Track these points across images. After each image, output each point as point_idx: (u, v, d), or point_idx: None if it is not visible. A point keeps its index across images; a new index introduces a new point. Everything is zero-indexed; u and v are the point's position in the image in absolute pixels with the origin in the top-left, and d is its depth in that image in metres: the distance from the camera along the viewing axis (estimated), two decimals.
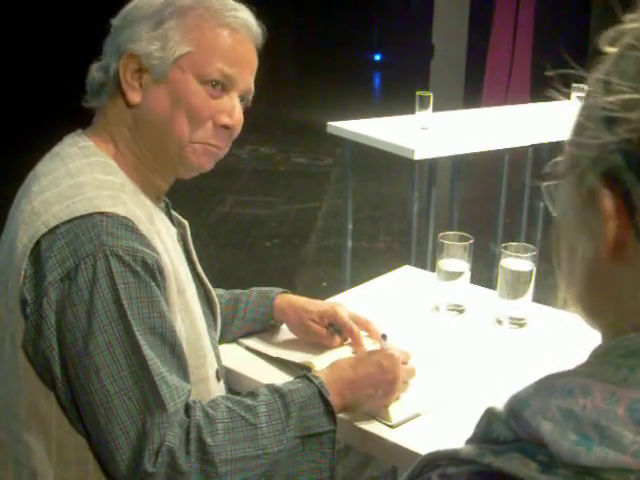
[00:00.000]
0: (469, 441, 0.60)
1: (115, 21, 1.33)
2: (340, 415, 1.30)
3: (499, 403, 0.59)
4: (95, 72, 1.33)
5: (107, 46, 1.34)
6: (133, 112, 1.31)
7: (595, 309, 0.61)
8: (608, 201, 0.54)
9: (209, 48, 1.29)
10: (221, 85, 1.31)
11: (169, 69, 1.28)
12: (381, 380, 1.33)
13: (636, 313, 0.56)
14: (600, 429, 0.51)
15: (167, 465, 1.11)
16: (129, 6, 1.32)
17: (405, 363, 1.41)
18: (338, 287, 3.04)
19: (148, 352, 1.15)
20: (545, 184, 0.66)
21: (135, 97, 1.29)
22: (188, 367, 1.24)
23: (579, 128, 0.58)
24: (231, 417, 1.18)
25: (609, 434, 0.50)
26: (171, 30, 1.28)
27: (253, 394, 1.25)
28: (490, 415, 0.59)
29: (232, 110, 1.32)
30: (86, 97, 1.35)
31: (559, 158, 0.61)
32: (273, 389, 1.25)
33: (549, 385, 0.56)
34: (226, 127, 1.32)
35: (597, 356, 0.58)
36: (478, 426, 0.60)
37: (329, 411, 1.25)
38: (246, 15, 1.33)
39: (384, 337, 1.48)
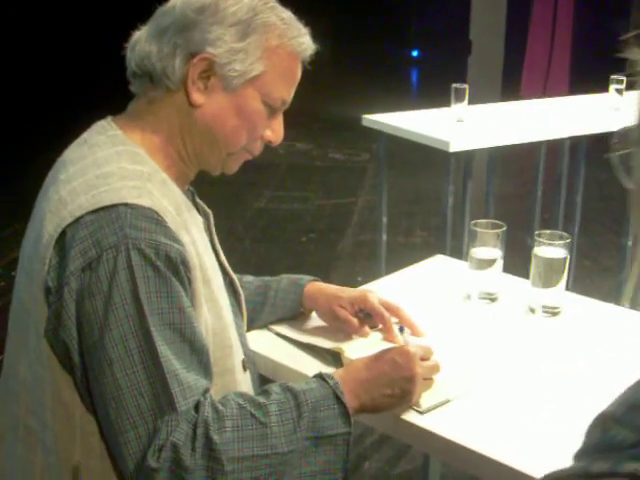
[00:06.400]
0: (582, 453, 0.55)
1: (189, 11, 1.27)
2: None
3: (605, 408, 0.54)
4: (155, 59, 1.28)
5: (170, 32, 1.28)
6: (191, 111, 1.30)
7: None
8: None
9: (280, 74, 1.33)
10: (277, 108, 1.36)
11: (241, 84, 1.30)
12: (397, 378, 1.29)
13: None
14: None
15: (171, 461, 1.10)
16: (207, 0, 1.28)
17: (427, 359, 1.36)
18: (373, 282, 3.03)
19: (162, 348, 1.14)
20: (618, 154, 0.61)
21: (199, 99, 1.29)
22: (210, 363, 1.22)
23: None
24: (241, 415, 1.16)
25: None
26: (253, 45, 1.28)
27: (266, 392, 1.23)
28: (604, 421, 0.54)
29: (280, 129, 1.38)
30: (132, 81, 1.32)
31: (630, 124, 0.57)
32: (286, 388, 1.23)
33: None
34: (270, 142, 1.38)
35: None
36: (589, 436, 0.56)
37: (344, 412, 1.21)
38: (309, 41, 1.36)
39: (401, 330, 1.45)
